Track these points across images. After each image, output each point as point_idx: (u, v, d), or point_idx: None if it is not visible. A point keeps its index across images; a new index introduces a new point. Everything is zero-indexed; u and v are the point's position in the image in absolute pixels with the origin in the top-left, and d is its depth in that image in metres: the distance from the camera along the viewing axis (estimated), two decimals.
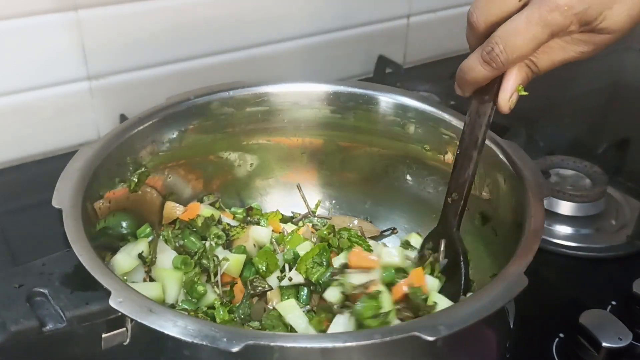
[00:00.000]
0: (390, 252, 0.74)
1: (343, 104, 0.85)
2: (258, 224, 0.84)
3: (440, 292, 0.70)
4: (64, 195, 0.63)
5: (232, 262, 0.75)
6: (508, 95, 0.62)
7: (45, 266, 0.58)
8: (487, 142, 0.75)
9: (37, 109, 1.01)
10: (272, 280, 0.75)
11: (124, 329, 0.55)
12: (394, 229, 0.88)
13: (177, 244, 0.76)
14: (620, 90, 1.43)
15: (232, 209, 0.87)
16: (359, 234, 0.82)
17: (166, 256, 0.74)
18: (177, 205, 0.82)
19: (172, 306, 0.71)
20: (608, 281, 0.85)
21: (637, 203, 0.97)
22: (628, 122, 1.25)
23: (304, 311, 0.71)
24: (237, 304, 0.73)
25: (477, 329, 0.58)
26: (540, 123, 1.20)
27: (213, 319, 0.70)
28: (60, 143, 1.04)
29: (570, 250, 0.89)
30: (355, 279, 0.70)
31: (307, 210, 0.89)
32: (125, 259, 0.71)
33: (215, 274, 0.74)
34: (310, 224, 0.86)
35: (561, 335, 0.75)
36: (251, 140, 0.87)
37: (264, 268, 0.75)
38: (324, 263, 0.74)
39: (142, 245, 0.74)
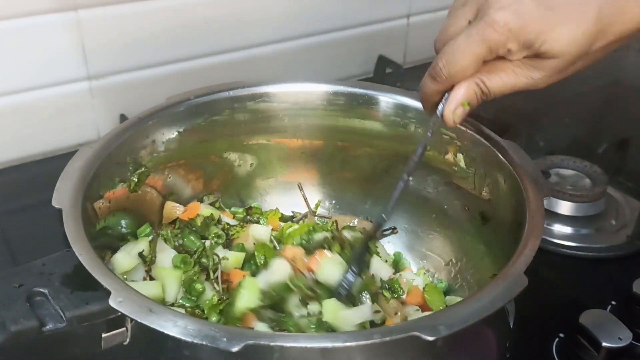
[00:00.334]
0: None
1: (343, 104, 0.85)
2: (258, 222, 0.84)
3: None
4: (64, 195, 0.63)
5: (231, 259, 0.75)
6: (452, 107, 0.63)
7: (45, 266, 0.58)
8: (487, 142, 0.75)
9: (37, 109, 1.01)
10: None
11: (124, 328, 0.55)
12: (394, 228, 0.88)
13: (176, 243, 0.76)
14: (620, 90, 1.43)
15: (232, 209, 0.87)
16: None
17: (166, 255, 0.74)
18: (177, 205, 0.82)
19: (172, 305, 0.71)
20: (608, 281, 0.85)
21: (637, 203, 0.97)
22: (628, 122, 1.25)
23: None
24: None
25: (477, 329, 0.58)
26: (540, 123, 1.20)
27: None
28: (60, 143, 1.04)
29: (570, 250, 0.89)
30: None
31: (307, 210, 0.89)
32: (125, 258, 0.71)
33: (215, 271, 0.74)
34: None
35: (561, 335, 0.75)
36: (251, 140, 0.87)
37: (262, 261, 0.75)
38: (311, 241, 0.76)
39: (142, 245, 0.74)
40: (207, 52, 1.11)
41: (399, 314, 0.73)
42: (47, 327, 0.53)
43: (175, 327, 0.50)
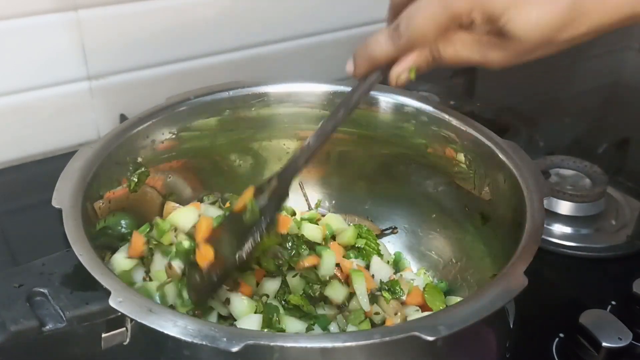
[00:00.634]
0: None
1: None
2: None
3: None
4: (64, 195, 0.63)
5: None
6: (399, 71, 0.60)
7: (45, 266, 0.58)
8: (487, 142, 0.75)
9: (37, 109, 1.01)
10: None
11: (124, 328, 0.55)
12: (395, 227, 0.88)
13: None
14: (620, 90, 1.43)
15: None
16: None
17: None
18: (178, 205, 0.82)
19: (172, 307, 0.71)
20: (608, 281, 0.85)
21: (637, 203, 0.97)
22: (628, 122, 1.25)
23: None
24: None
25: (477, 329, 0.58)
26: (540, 123, 1.20)
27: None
28: (60, 143, 1.04)
29: (570, 250, 0.89)
30: None
31: (307, 209, 0.89)
32: (124, 258, 0.71)
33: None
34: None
35: (561, 335, 0.75)
36: (251, 140, 0.87)
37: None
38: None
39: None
40: (207, 52, 1.11)
41: (399, 314, 0.73)
42: (47, 327, 0.53)
43: (175, 327, 0.50)
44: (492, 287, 0.56)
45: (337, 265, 0.76)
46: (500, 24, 0.55)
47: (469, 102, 1.18)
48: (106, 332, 0.55)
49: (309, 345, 0.50)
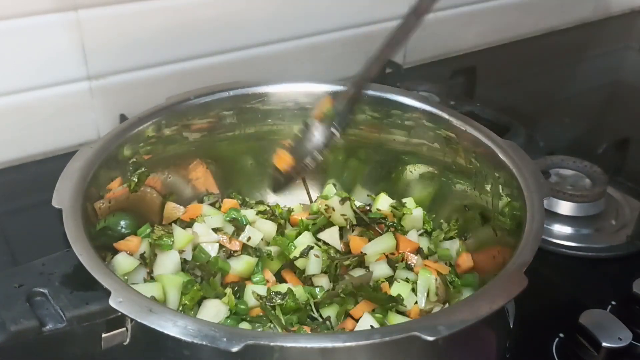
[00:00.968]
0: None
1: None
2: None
3: None
4: (64, 195, 0.63)
5: (244, 265, 0.76)
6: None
7: (45, 266, 0.58)
8: (487, 142, 0.75)
9: (37, 109, 1.01)
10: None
11: (124, 328, 0.56)
12: None
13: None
14: (620, 90, 1.43)
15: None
16: None
17: (168, 259, 0.74)
18: (178, 206, 0.82)
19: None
20: (608, 281, 0.85)
21: (637, 203, 0.97)
22: (628, 122, 1.25)
23: None
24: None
25: (477, 329, 0.58)
26: (540, 123, 1.20)
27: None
28: (60, 143, 1.04)
29: (570, 250, 0.89)
30: None
31: (309, 202, 0.90)
32: (126, 259, 0.71)
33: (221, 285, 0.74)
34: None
35: (561, 335, 0.75)
36: (251, 140, 0.87)
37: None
38: None
39: (143, 246, 0.74)
40: (207, 52, 1.11)
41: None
42: (47, 327, 0.53)
43: (175, 327, 0.50)
44: (492, 287, 0.56)
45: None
46: None
47: (469, 102, 1.18)
48: (106, 332, 0.55)
49: (308, 345, 0.50)
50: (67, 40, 0.98)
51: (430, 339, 0.50)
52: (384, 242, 0.79)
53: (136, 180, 0.76)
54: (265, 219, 0.83)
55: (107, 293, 0.53)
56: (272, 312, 0.70)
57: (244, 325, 0.70)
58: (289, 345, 0.50)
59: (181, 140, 0.81)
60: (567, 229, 0.92)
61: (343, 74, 1.27)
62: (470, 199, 0.79)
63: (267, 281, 0.76)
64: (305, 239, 0.80)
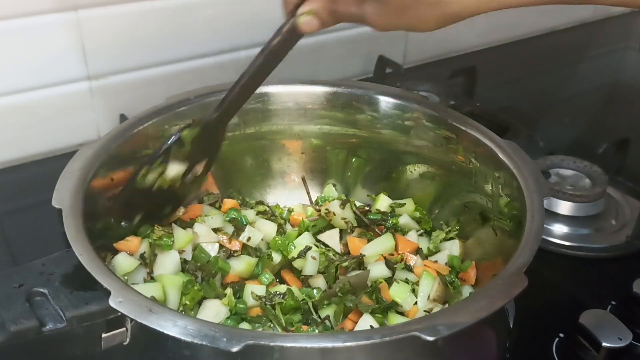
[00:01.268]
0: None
1: (343, 104, 0.85)
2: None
3: None
4: (64, 195, 0.63)
5: (245, 265, 0.76)
6: (301, 11, 0.66)
7: (45, 266, 0.58)
8: (487, 142, 0.75)
9: (37, 109, 1.01)
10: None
11: (124, 328, 0.55)
12: None
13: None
14: (620, 90, 1.43)
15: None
16: None
17: (168, 259, 0.74)
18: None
19: None
20: (608, 281, 0.85)
21: (637, 203, 0.97)
22: (628, 122, 1.25)
23: None
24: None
25: (477, 329, 0.58)
26: (540, 123, 1.20)
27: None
28: (60, 143, 1.04)
29: (570, 250, 0.89)
30: None
31: (309, 203, 0.90)
32: (126, 259, 0.71)
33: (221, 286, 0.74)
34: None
35: (561, 335, 0.75)
36: (251, 140, 0.87)
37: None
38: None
39: (143, 246, 0.74)
40: (207, 52, 1.11)
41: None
42: (47, 327, 0.53)
43: (175, 327, 0.50)
44: (492, 287, 0.56)
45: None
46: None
47: (469, 102, 1.18)
48: (106, 332, 0.55)
49: (308, 345, 0.50)
50: (67, 40, 0.98)
51: (430, 339, 0.50)
52: (383, 243, 0.79)
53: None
54: (265, 219, 0.83)
55: (107, 293, 0.53)
56: (272, 311, 0.70)
57: (244, 326, 0.70)
58: (289, 345, 0.50)
59: (181, 140, 0.81)
60: (567, 229, 0.92)
61: (343, 74, 1.28)
62: (470, 199, 0.79)
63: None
64: (305, 240, 0.80)
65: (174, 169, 0.75)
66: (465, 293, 0.74)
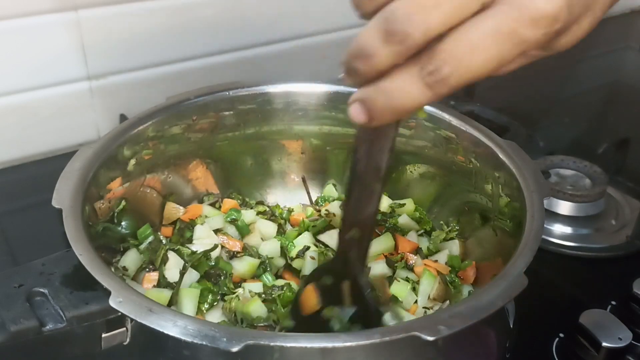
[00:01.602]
0: None
1: (343, 104, 0.85)
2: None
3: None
4: (64, 195, 0.63)
5: (247, 266, 0.76)
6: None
7: (45, 266, 0.58)
8: (487, 142, 0.75)
9: (37, 109, 1.01)
10: None
11: (124, 328, 0.55)
12: None
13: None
14: (620, 90, 1.43)
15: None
16: None
17: (175, 263, 0.74)
18: (178, 206, 0.82)
19: None
20: (608, 281, 0.85)
21: (637, 203, 0.97)
22: (628, 122, 1.25)
23: None
24: None
25: (477, 329, 0.58)
26: (540, 123, 1.20)
27: None
28: (60, 143, 1.04)
29: (570, 250, 0.89)
30: None
31: (309, 203, 0.90)
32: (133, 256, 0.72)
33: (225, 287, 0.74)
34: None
35: (561, 335, 0.75)
36: (251, 140, 0.87)
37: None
38: None
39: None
40: (207, 52, 1.11)
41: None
42: (47, 327, 0.53)
43: (175, 327, 0.50)
44: (492, 287, 0.56)
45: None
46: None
47: (469, 102, 1.17)
48: (106, 332, 0.55)
49: (308, 345, 0.50)
50: (67, 40, 0.98)
51: (430, 339, 0.50)
52: (383, 243, 0.79)
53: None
54: (265, 219, 0.83)
55: (107, 293, 0.53)
56: (273, 306, 0.70)
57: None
58: (289, 345, 0.50)
59: (181, 140, 0.81)
60: (567, 229, 0.92)
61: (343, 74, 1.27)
62: (470, 199, 0.79)
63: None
64: (304, 240, 0.80)
65: None
66: (465, 292, 0.74)
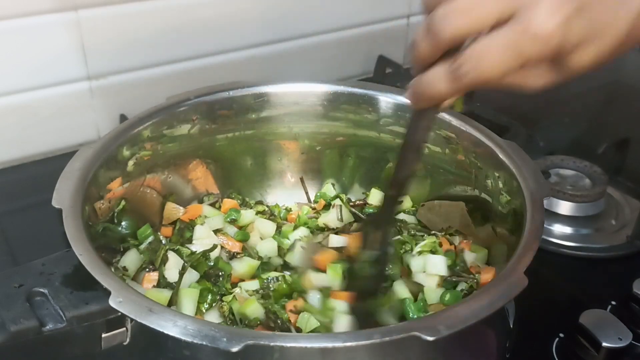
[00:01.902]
0: None
1: (343, 104, 0.85)
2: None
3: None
4: (64, 195, 0.63)
5: (246, 267, 0.76)
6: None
7: (45, 266, 0.58)
8: (487, 142, 0.75)
9: (37, 109, 1.01)
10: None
11: (124, 328, 0.55)
12: None
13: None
14: (620, 90, 1.43)
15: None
16: None
17: (174, 263, 0.74)
18: (178, 206, 0.82)
19: None
20: (608, 281, 0.85)
21: (637, 203, 0.97)
22: (628, 122, 1.25)
23: None
24: None
25: (477, 329, 0.58)
26: (540, 123, 1.20)
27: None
28: (60, 143, 1.04)
29: (570, 250, 0.89)
30: None
31: (307, 201, 0.90)
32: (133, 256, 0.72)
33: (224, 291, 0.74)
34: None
35: (561, 335, 0.75)
36: (251, 140, 0.87)
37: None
38: None
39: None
40: (207, 52, 1.11)
41: None
42: (47, 327, 0.53)
43: (175, 327, 0.50)
44: (492, 287, 0.56)
45: None
46: (566, 62, 0.51)
47: (469, 102, 1.17)
48: (106, 332, 0.55)
49: (308, 345, 0.50)
50: (67, 40, 0.98)
51: (430, 339, 0.50)
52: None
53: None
54: (265, 219, 0.83)
55: (107, 293, 0.53)
56: (270, 301, 0.70)
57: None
58: (289, 345, 0.50)
59: (181, 140, 0.81)
60: (567, 229, 0.92)
61: (343, 74, 1.28)
62: (470, 199, 0.79)
63: None
64: (300, 233, 0.80)
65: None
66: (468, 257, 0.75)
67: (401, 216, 0.83)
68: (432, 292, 0.72)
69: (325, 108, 0.86)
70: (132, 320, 0.53)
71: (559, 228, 0.92)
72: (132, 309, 0.52)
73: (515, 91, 0.53)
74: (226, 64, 1.13)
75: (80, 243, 0.58)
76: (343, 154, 0.89)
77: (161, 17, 1.04)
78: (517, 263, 0.58)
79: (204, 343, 0.49)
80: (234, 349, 0.48)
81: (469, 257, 0.76)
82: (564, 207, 0.93)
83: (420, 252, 0.75)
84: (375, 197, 0.85)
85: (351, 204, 0.86)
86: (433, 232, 0.81)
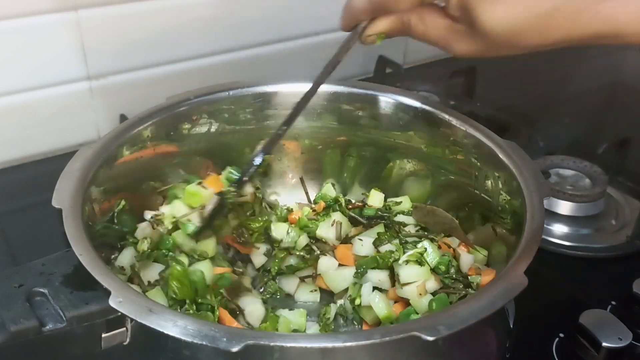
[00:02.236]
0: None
1: (343, 104, 0.85)
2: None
3: None
4: (64, 195, 0.63)
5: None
6: (370, 32, 0.66)
7: (45, 266, 0.58)
8: (487, 142, 0.75)
9: (37, 109, 1.01)
10: None
11: (124, 328, 0.55)
12: None
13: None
14: (620, 90, 1.43)
15: None
16: None
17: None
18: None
19: None
20: (608, 281, 0.85)
21: (637, 203, 0.97)
22: (628, 122, 1.25)
23: None
24: None
25: (477, 329, 0.58)
26: (540, 123, 1.20)
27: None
28: (60, 143, 1.04)
29: (570, 250, 0.89)
30: None
31: (307, 202, 0.90)
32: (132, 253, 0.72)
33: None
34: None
35: (561, 335, 0.75)
36: (251, 140, 0.87)
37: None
38: None
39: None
40: (207, 52, 1.11)
41: None
42: (47, 327, 0.53)
43: (175, 327, 0.50)
44: (492, 287, 0.56)
45: None
46: (473, 14, 0.56)
47: (469, 102, 1.18)
48: (106, 332, 0.55)
49: (308, 345, 0.50)
50: (67, 40, 0.98)
51: (430, 339, 0.50)
52: (374, 232, 0.79)
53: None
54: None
55: (107, 293, 0.53)
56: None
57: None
58: (288, 345, 0.50)
59: (181, 140, 0.81)
60: (567, 229, 0.92)
61: (343, 74, 1.27)
62: (470, 199, 0.79)
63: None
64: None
65: (249, 189, 0.76)
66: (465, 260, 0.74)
67: (400, 218, 0.83)
68: (418, 302, 0.71)
69: (326, 108, 0.86)
70: (132, 320, 0.53)
71: (559, 228, 0.92)
72: (132, 309, 0.52)
73: (447, 52, 0.61)
74: (226, 64, 1.13)
75: (80, 243, 0.58)
76: (343, 154, 0.89)
77: (161, 17, 1.04)
78: (517, 263, 0.58)
79: (204, 343, 0.49)
80: (234, 349, 0.48)
81: (468, 259, 0.75)
82: (564, 207, 0.93)
83: (407, 262, 0.73)
84: (375, 198, 0.85)
85: (350, 206, 0.86)
86: (431, 235, 0.80)
